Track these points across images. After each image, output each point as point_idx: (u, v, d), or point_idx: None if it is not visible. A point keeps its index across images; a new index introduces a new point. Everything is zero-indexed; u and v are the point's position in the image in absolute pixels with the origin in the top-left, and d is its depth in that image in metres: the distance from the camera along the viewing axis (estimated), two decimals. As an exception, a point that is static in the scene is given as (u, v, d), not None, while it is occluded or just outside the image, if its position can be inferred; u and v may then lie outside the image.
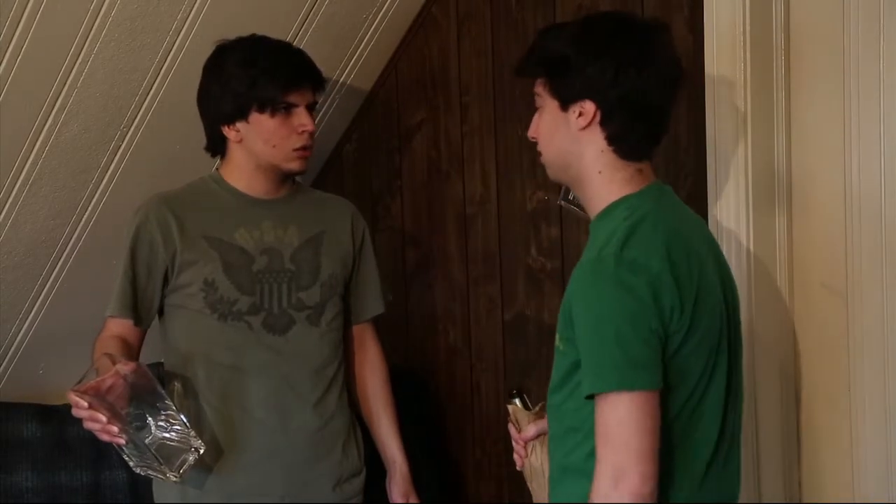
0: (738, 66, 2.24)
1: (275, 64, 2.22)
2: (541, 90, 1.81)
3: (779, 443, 2.32)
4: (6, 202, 2.40)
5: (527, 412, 1.97)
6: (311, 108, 2.28)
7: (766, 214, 2.30)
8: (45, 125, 2.32)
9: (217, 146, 2.31)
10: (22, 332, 2.69)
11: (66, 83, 2.28)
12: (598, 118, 1.74)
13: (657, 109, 1.77)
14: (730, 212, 2.28)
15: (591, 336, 1.65)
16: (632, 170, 1.77)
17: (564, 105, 1.76)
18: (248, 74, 2.21)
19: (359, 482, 2.37)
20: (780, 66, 2.29)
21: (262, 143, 2.24)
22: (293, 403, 2.28)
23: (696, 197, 2.39)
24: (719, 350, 1.73)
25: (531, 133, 1.85)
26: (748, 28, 2.23)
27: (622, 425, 1.60)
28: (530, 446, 1.96)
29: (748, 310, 2.28)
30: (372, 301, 2.46)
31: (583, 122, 1.75)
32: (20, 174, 2.38)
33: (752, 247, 2.27)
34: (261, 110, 2.22)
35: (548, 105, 1.79)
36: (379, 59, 2.93)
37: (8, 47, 2.14)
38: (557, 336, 1.76)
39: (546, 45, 1.79)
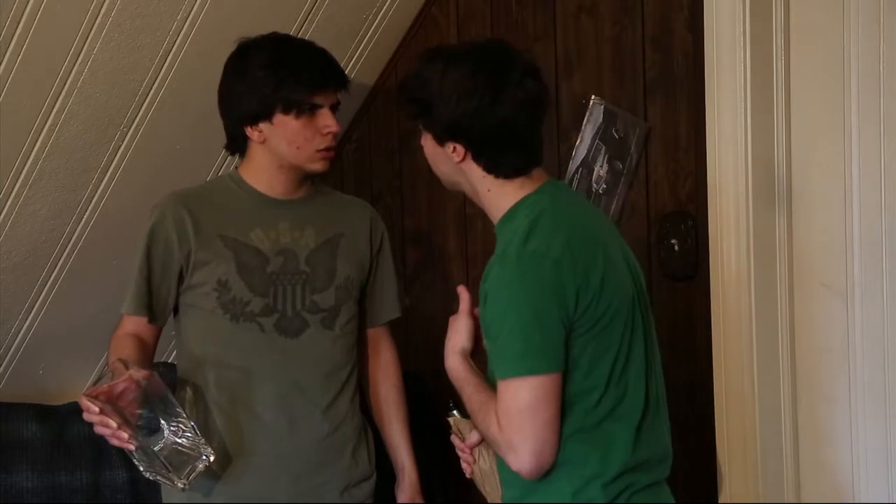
0: (738, 66, 2.24)
1: (301, 65, 2.21)
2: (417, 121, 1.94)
3: (779, 443, 2.32)
4: (6, 202, 2.40)
5: (467, 420, 2.00)
6: (334, 109, 2.27)
7: (766, 214, 2.30)
8: (45, 125, 2.32)
9: (238, 145, 2.29)
10: (22, 332, 2.69)
11: (66, 83, 2.28)
12: (469, 155, 1.87)
13: (524, 133, 1.87)
14: (730, 212, 2.28)
15: (497, 327, 1.78)
16: (520, 180, 1.89)
17: (439, 141, 1.90)
18: (273, 76, 2.19)
19: (368, 486, 2.36)
20: (780, 66, 2.29)
21: (286, 144, 2.23)
22: (303, 408, 2.26)
23: (697, 197, 2.39)
24: (634, 324, 1.85)
25: (423, 142, 1.97)
26: (748, 28, 2.24)
27: (524, 412, 1.74)
28: (476, 452, 2.02)
29: (748, 310, 2.29)
30: (388, 305, 2.43)
31: (457, 157, 1.88)
32: (20, 174, 2.38)
33: (752, 247, 2.27)
34: (286, 112, 2.20)
35: (426, 136, 1.93)
36: (379, 58, 2.93)
37: (8, 47, 2.14)
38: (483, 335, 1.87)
39: (412, 87, 1.91)
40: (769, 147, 2.30)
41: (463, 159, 1.88)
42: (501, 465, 1.89)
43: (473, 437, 2.00)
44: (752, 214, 2.27)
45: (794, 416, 2.33)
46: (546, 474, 1.80)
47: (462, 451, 2.05)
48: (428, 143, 1.93)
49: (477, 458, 2.02)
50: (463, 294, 1.96)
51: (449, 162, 1.91)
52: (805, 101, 2.29)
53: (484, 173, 1.88)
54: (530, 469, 1.76)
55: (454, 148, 1.87)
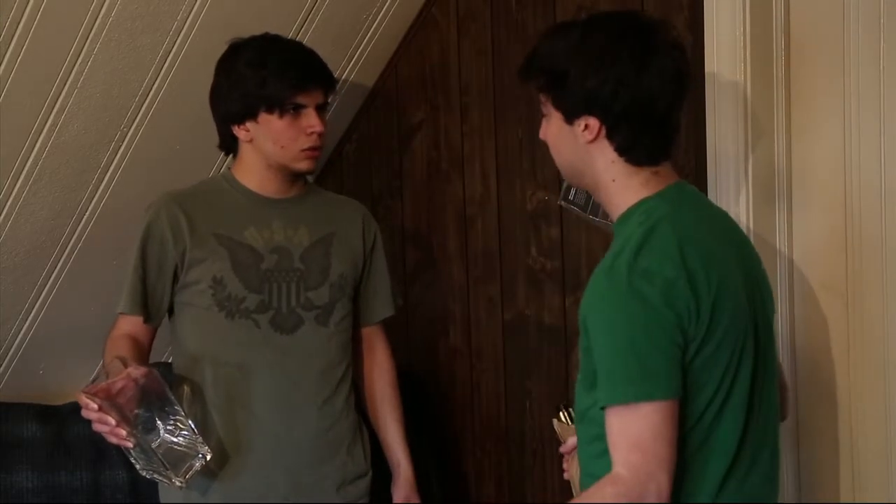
0: (738, 66, 2.24)
1: (284, 65, 2.22)
2: (544, 100, 1.77)
3: (779, 443, 2.31)
4: (6, 202, 2.41)
5: (568, 426, 1.98)
6: (322, 109, 2.28)
7: (766, 214, 2.30)
8: (45, 125, 2.32)
9: (229, 145, 2.32)
10: (22, 332, 2.69)
11: (66, 83, 2.28)
12: (603, 132, 1.70)
13: (664, 112, 1.71)
14: (730, 212, 2.28)
15: (605, 346, 1.62)
16: (647, 173, 1.73)
17: (569, 119, 1.72)
18: (257, 75, 2.21)
19: (364, 484, 2.37)
20: (780, 66, 2.29)
21: (271, 143, 2.25)
22: (298, 404, 2.28)
23: (696, 197, 2.38)
24: (742, 354, 1.68)
25: (541, 135, 1.82)
26: (748, 28, 2.23)
27: (657, 439, 1.58)
28: (571, 458, 1.95)
29: (748, 310, 2.29)
30: (382, 303, 2.45)
31: (589, 136, 1.71)
32: (20, 174, 2.38)
33: (751, 247, 2.27)
34: (269, 111, 2.22)
35: (553, 116, 1.75)
36: (379, 59, 2.93)
37: (8, 47, 2.14)
38: (579, 347, 1.73)
39: (545, 56, 1.74)
40: (769, 147, 2.30)
41: (595, 138, 1.70)
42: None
43: (568, 444, 1.95)
44: (752, 214, 2.27)
45: (795, 416, 2.33)
46: None
47: (563, 453, 1.98)
48: (553, 124, 1.75)
49: (569, 466, 1.96)
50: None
51: (575, 145, 1.72)
52: (805, 100, 2.29)
53: (615, 156, 1.70)
54: (668, 493, 1.58)
55: (586, 125, 1.69)
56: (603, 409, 1.63)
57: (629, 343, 1.60)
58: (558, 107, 1.73)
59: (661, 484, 1.58)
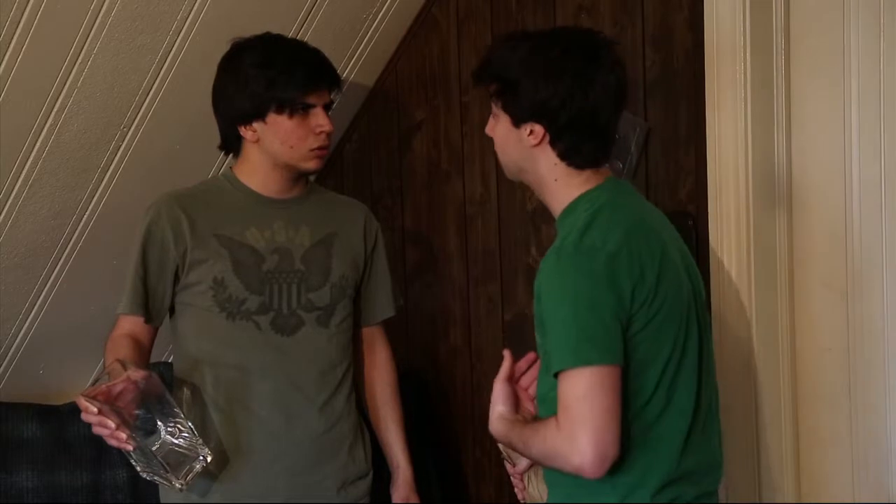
0: (738, 66, 2.24)
1: (293, 65, 2.22)
2: (494, 101, 1.89)
3: (779, 443, 2.32)
4: (6, 202, 2.41)
5: None
6: (328, 108, 2.28)
7: (766, 214, 2.30)
8: (45, 125, 2.32)
9: (232, 145, 2.31)
10: (22, 332, 2.69)
11: (66, 83, 2.28)
12: (547, 139, 1.83)
13: (604, 123, 1.85)
14: (730, 212, 2.28)
15: (552, 320, 1.73)
16: (587, 173, 1.86)
17: (516, 123, 1.85)
18: (266, 75, 2.20)
19: (365, 484, 2.37)
20: (780, 66, 2.29)
21: (280, 143, 2.24)
22: (299, 405, 2.27)
23: (697, 197, 2.39)
24: (689, 325, 1.81)
25: (487, 130, 1.93)
26: (748, 28, 2.23)
27: (581, 400, 1.67)
28: (526, 478, 2.00)
29: (748, 310, 2.29)
30: (383, 304, 2.45)
31: (533, 140, 1.84)
32: (20, 174, 2.38)
33: (752, 247, 2.27)
34: (279, 111, 2.22)
35: (501, 117, 1.88)
36: (379, 58, 2.93)
37: (8, 47, 2.14)
38: (536, 330, 1.82)
39: (498, 62, 1.87)
40: (769, 147, 2.30)
41: (539, 143, 1.83)
42: (548, 471, 1.84)
43: (522, 463, 1.99)
44: (753, 214, 2.27)
45: (794, 416, 2.33)
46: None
47: (513, 476, 2.03)
48: (500, 126, 1.88)
49: (527, 484, 2.00)
50: (506, 359, 1.92)
51: (521, 146, 1.86)
52: (805, 100, 2.29)
53: (557, 160, 1.84)
54: (592, 460, 1.65)
55: (531, 130, 1.83)
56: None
57: (573, 314, 1.70)
58: (507, 111, 1.86)
59: (583, 447, 1.65)
